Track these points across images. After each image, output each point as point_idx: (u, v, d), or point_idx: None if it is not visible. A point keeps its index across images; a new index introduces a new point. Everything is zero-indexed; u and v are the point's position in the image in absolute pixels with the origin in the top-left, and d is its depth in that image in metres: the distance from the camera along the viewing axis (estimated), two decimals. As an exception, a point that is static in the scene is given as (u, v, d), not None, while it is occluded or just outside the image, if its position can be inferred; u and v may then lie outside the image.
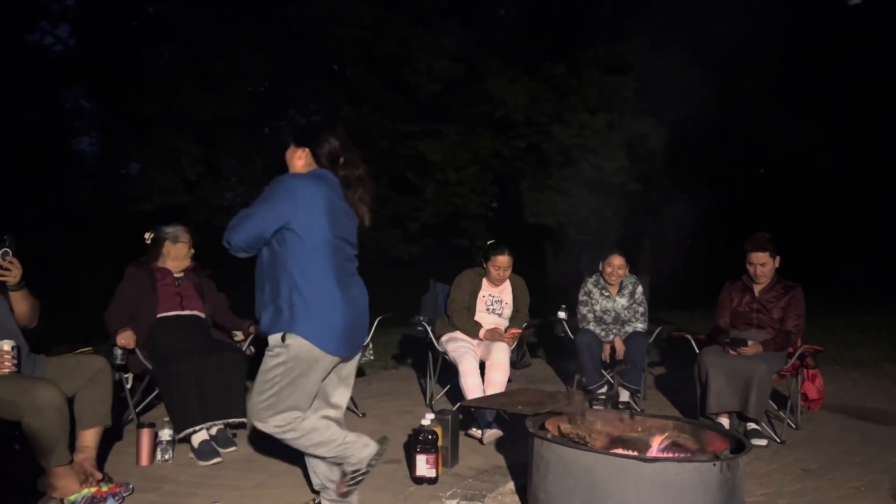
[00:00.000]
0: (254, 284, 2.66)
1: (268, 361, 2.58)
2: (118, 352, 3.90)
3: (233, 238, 2.56)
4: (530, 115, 11.97)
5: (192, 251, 4.21)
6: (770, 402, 4.33)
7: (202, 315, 4.15)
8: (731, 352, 4.25)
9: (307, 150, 2.71)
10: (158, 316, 4.00)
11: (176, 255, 4.14)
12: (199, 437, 3.66)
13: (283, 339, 2.54)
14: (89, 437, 3.17)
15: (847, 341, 7.77)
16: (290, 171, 2.72)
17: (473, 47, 12.66)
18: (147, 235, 4.22)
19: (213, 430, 3.78)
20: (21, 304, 3.21)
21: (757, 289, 4.52)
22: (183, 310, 4.07)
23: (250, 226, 2.55)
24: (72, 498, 2.94)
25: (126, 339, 3.87)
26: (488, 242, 4.81)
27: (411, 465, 3.40)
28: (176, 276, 4.15)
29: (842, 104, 14.13)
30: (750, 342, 4.26)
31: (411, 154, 12.87)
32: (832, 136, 13.74)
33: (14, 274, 3.11)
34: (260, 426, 2.59)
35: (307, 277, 2.54)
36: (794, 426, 4.49)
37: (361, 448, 2.68)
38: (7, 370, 2.96)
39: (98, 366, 3.26)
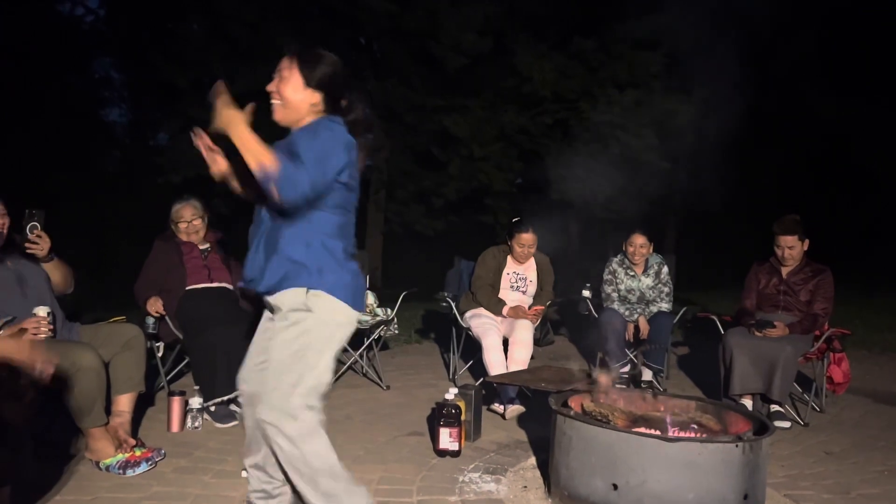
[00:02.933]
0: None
1: (286, 334, 2.19)
2: (150, 321, 4.01)
3: (296, 194, 2.08)
4: (558, 90, 11.83)
5: (199, 224, 4.23)
6: (795, 384, 4.31)
7: (230, 287, 4.22)
8: (757, 333, 4.23)
9: (321, 95, 2.26)
10: (187, 288, 4.07)
11: (186, 232, 4.21)
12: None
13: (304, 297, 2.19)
14: (124, 402, 3.27)
15: (876, 325, 7.68)
16: (290, 107, 2.27)
17: (501, 21, 12.50)
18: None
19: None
20: (54, 273, 3.31)
21: (785, 271, 4.48)
22: (211, 282, 4.15)
23: (318, 177, 2.11)
24: (106, 461, 3.04)
25: (154, 305, 3.96)
26: (513, 220, 4.81)
27: (435, 438, 3.46)
28: (202, 248, 4.22)
29: (878, 82, 13.77)
30: (776, 324, 4.23)
31: (436, 129, 12.81)
32: (867, 115, 13.43)
33: (42, 247, 3.20)
34: (286, 426, 2.14)
35: (343, 231, 2.26)
36: (818, 409, 4.47)
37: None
38: (43, 335, 3.05)
39: (132, 333, 3.35)
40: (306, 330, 2.19)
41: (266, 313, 2.40)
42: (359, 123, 2.30)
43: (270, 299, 2.25)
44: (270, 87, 2.28)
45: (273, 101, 2.28)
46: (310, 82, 2.24)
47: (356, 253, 2.37)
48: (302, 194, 2.09)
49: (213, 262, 4.22)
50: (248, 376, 2.41)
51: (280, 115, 2.29)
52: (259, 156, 2.06)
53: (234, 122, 2.13)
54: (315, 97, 2.26)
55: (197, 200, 4.29)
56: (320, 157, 2.12)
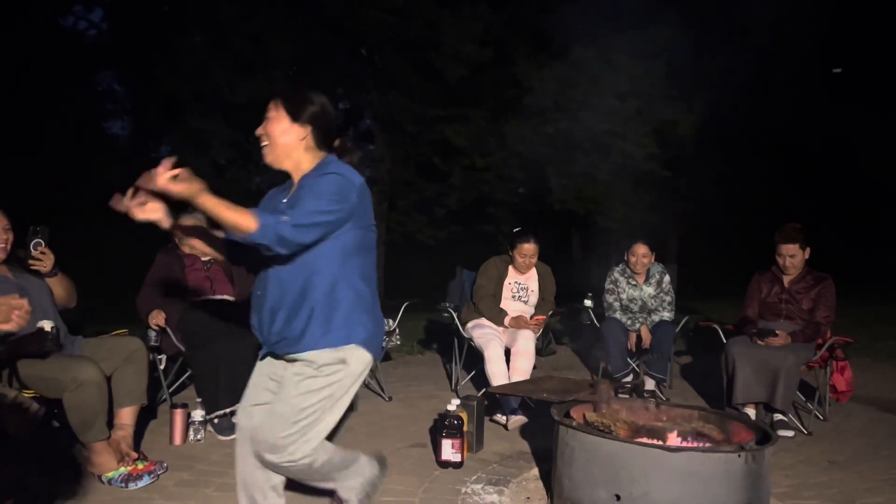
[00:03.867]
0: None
1: (312, 384, 2.17)
2: (152, 334, 4.02)
3: (304, 237, 2.07)
4: (558, 100, 11.88)
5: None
6: (798, 393, 4.29)
7: (232, 299, 4.23)
8: (760, 342, 4.22)
9: (309, 128, 2.25)
10: (190, 301, 4.08)
11: (190, 244, 4.20)
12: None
13: (335, 352, 2.19)
14: (126, 415, 3.27)
15: (880, 333, 7.66)
16: (278, 146, 2.25)
17: (501, 31, 12.57)
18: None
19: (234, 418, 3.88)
20: (57, 288, 3.32)
21: (786, 279, 4.48)
22: (214, 294, 4.16)
23: (323, 224, 2.10)
24: (109, 475, 3.04)
25: (156, 318, 3.97)
26: (514, 230, 4.82)
27: (437, 449, 3.45)
28: (204, 260, 4.23)
29: (880, 89, 13.79)
30: (778, 333, 4.23)
31: (438, 139, 12.86)
32: (870, 123, 13.44)
33: (46, 263, 3.21)
34: (276, 459, 2.23)
35: (369, 272, 2.27)
36: (821, 418, 4.45)
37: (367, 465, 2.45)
38: (47, 350, 3.05)
39: (134, 346, 3.36)
40: (337, 381, 2.20)
41: (271, 357, 2.35)
42: (353, 167, 2.29)
43: (302, 356, 2.20)
44: (259, 132, 2.28)
45: (262, 145, 2.27)
46: (296, 118, 2.24)
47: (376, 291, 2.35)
48: (300, 242, 2.07)
49: (216, 275, 4.23)
50: (250, 413, 2.39)
51: (271, 156, 2.27)
52: (235, 220, 2.00)
53: (196, 192, 1.99)
54: (302, 131, 2.25)
55: (200, 213, 4.30)
56: (322, 205, 2.09)
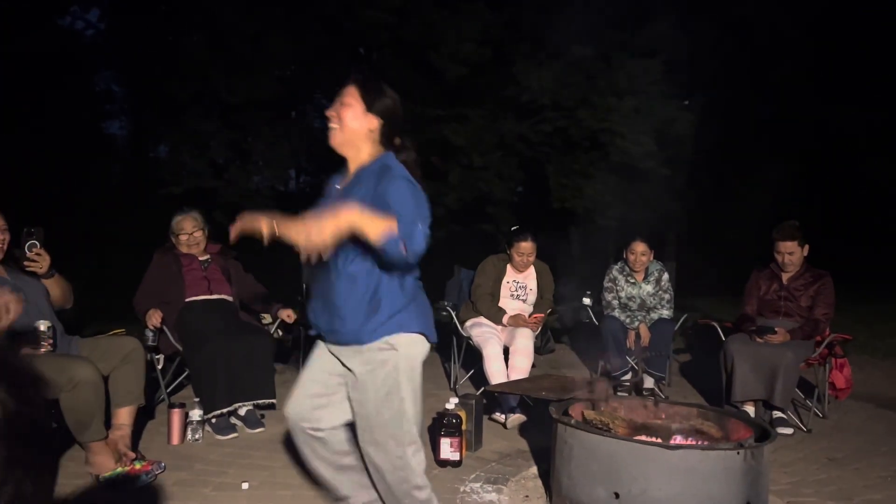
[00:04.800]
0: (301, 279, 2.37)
1: (378, 372, 2.22)
2: (149, 333, 4.01)
3: (420, 247, 2.08)
4: (557, 98, 11.86)
5: (200, 235, 4.22)
6: (797, 390, 4.29)
7: (230, 298, 4.22)
8: (758, 339, 4.22)
9: (380, 123, 2.29)
10: (187, 300, 4.07)
11: (186, 244, 4.19)
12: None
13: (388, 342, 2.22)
14: (124, 415, 3.26)
15: (878, 329, 7.65)
16: (348, 131, 2.27)
17: (500, 30, 12.56)
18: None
19: (242, 411, 3.87)
20: (54, 289, 3.31)
21: (785, 277, 4.48)
22: (211, 294, 4.14)
23: (426, 226, 2.13)
24: (107, 475, 3.04)
25: (153, 317, 3.96)
26: (512, 228, 4.82)
27: (435, 448, 3.44)
28: (202, 259, 4.22)
29: (878, 87, 13.78)
30: (777, 330, 4.22)
31: (436, 138, 12.84)
32: (868, 120, 13.44)
33: (41, 265, 3.20)
34: (376, 454, 2.27)
35: (414, 274, 2.30)
36: (820, 415, 4.45)
37: None
38: (43, 350, 3.05)
39: (131, 346, 3.35)
40: (394, 368, 2.23)
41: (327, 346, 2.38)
42: (408, 165, 2.31)
43: (360, 348, 2.23)
44: (330, 113, 2.30)
45: (331, 126, 2.29)
46: (370, 108, 2.27)
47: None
48: (422, 253, 2.09)
49: (213, 274, 4.22)
50: (305, 413, 2.38)
51: (337, 139, 2.29)
52: (382, 226, 2.02)
53: (339, 217, 2.02)
54: (373, 123, 2.28)
55: (198, 212, 4.29)
56: (420, 209, 2.13)
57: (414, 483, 2.28)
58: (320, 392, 2.37)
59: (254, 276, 4.44)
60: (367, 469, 2.36)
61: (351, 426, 2.38)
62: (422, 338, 2.29)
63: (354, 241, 2.11)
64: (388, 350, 2.22)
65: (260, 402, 3.87)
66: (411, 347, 2.26)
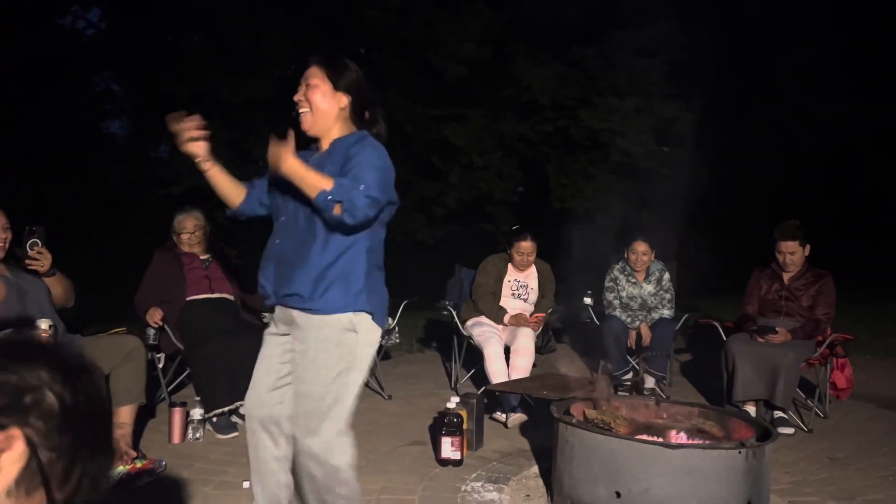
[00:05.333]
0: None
1: (326, 354, 2.16)
2: (150, 332, 4.02)
3: (370, 212, 2.10)
4: (557, 98, 11.87)
5: (201, 235, 4.21)
6: (798, 390, 4.29)
7: (231, 297, 4.22)
8: (759, 339, 4.22)
9: (349, 99, 2.27)
10: (188, 299, 4.07)
11: (188, 243, 4.19)
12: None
13: (351, 319, 2.19)
14: (125, 414, 3.26)
15: (880, 330, 7.65)
16: (319, 113, 2.25)
17: (500, 30, 12.56)
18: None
19: (243, 410, 3.87)
20: (55, 287, 3.31)
21: (786, 276, 4.47)
22: (212, 293, 4.14)
23: (382, 203, 2.15)
24: (107, 473, 3.03)
25: (154, 315, 3.96)
26: (512, 228, 4.82)
27: (436, 447, 3.45)
28: (203, 258, 4.22)
29: (880, 87, 13.78)
30: (778, 330, 4.22)
31: (437, 138, 12.85)
32: (870, 120, 13.44)
33: (43, 263, 3.20)
34: (312, 442, 2.17)
35: (382, 244, 2.30)
36: (821, 415, 4.45)
37: None
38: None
39: (132, 345, 3.35)
40: (349, 351, 2.19)
41: (277, 330, 2.33)
42: (380, 137, 2.31)
43: (314, 318, 2.17)
44: (298, 97, 2.26)
45: (301, 111, 2.26)
46: (338, 86, 2.25)
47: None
48: (366, 218, 2.10)
49: (214, 273, 4.22)
50: (264, 399, 2.32)
51: (309, 123, 2.27)
52: (315, 180, 2.05)
53: (284, 156, 2.06)
54: (343, 100, 2.26)
55: (199, 211, 4.29)
56: (383, 182, 2.13)
57: (343, 476, 2.21)
58: (280, 386, 2.30)
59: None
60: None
61: None
62: (379, 329, 2.26)
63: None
64: (350, 331, 2.18)
65: None
66: (370, 334, 2.24)
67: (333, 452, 2.18)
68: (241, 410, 3.86)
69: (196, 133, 2.24)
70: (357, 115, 2.30)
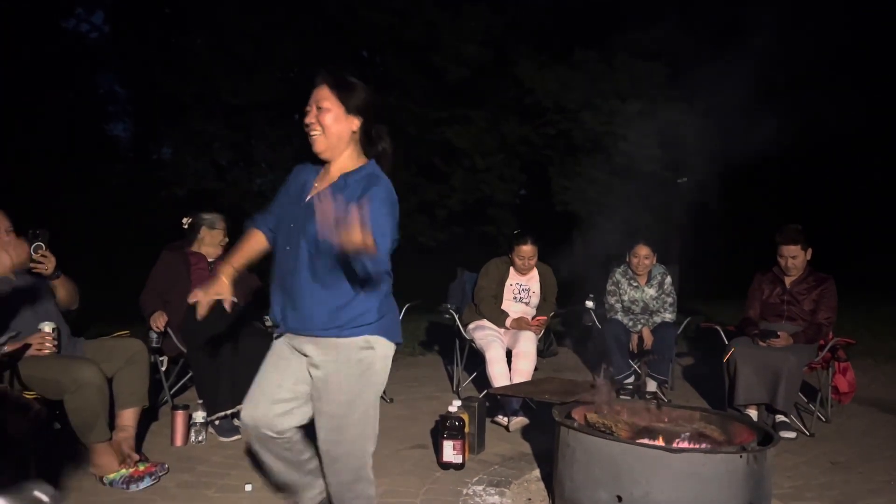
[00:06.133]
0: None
1: (352, 369, 2.20)
2: (153, 335, 4.02)
3: (384, 266, 2.13)
4: (560, 101, 11.87)
5: (227, 240, 4.24)
6: (800, 394, 4.29)
7: (234, 300, 4.21)
8: (761, 343, 4.22)
9: (360, 121, 2.26)
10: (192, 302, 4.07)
11: (210, 242, 4.21)
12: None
13: (368, 341, 2.22)
14: (128, 417, 3.27)
15: (882, 334, 7.65)
16: (333, 136, 2.22)
17: (502, 32, 12.57)
18: (185, 220, 4.28)
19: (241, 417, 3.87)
20: (60, 290, 3.32)
21: (788, 280, 4.47)
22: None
23: (394, 242, 2.18)
24: (110, 476, 3.04)
25: (158, 320, 3.97)
26: (514, 232, 4.82)
27: (438, 450, 3.45)
28: (210, 261, 4.23)
29: (882, 89, 13.76)
30: (780, 334, 4.22)
31: (439, 140, 12.86)
32: (872, 123, 13.42)
33: (47, 266, 3.21)
34: (339, 463, 2.25)
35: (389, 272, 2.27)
36: (823, 419, 4.45)
37: None
38: (48, 351, 3.06)
39: (135, 348, 3.36)
40: (368, 367, 2.22)
41: (289, 346, 2.32)
42: (384, 155, 2.32)
43: (330, 341, 2.19)
44: (309, 120, 2.23)
45: (313, 134, 2.23)
46: (349, 109, 2.23)
47: None
48: (387, 267, 2.13)
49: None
50: (269, 420, 2.30)
51: (322, 146, 2.24)
52: (364, 246, 1.94)
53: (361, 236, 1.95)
54: (355, 123, 2.25)
55: (222, 220, 4.29)
56: (395, 225, 2.17)
57: (368, 478, 2.30)
58: (287, 399, 2.30)
59: (257, 277, 4.42)
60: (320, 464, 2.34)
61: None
62: (393, 347, 2.28)
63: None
64: (367, 349, 2.20)
65: None
66: (387, 349, 2.26)
67: (361, 463, 2.27)
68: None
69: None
70: (366, 135, 2.29)
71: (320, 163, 2.33)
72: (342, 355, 2.19)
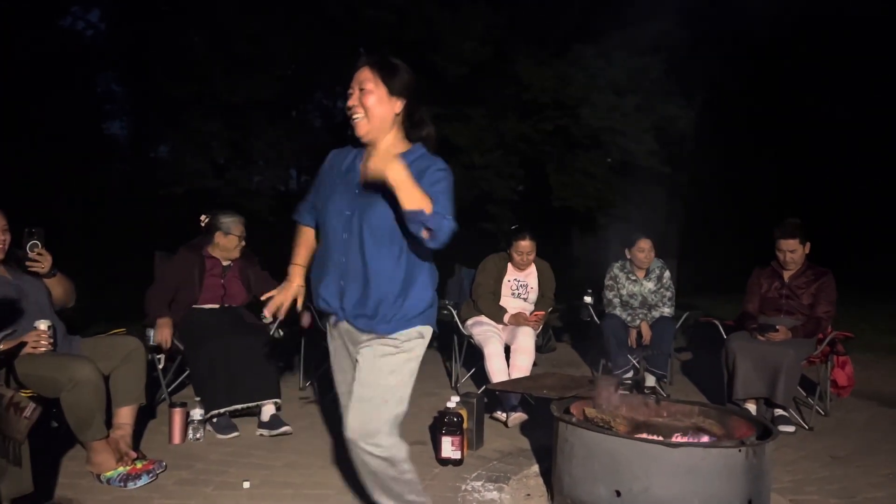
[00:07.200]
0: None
1: (393, 358, 2.21)
2: (150, 333, 4.01)
3: (445, 240, 2.10)
4: (558, 97, 11.86)
5: (243, 244, 4.16)
6: (798, 388, 4.29)
7: (239, 306, 4.19)
8: (760, 337, 4.21)
9: (404, 104, 2.23)
10: (195, 307, 4.05)
11: (225, 247, 4.13)
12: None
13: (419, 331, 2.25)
14: (125, 415, 3.26)
15: (881, 327, 7.65)
16: (376, 119, 2.20)
17: (501, 29, 12.55)
18: (203, 218, 4.21)
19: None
20: (56, 288, 3.31)
21: (787, 275, 4.47)
22: (224, 302, 4.11)
23: (456, 226, 2.15)
24: (108, 474, 3.03)
25: (163, 334, 3.94)
26: (512, 227, 4.81)
27: (437, 446, 3.44)
28: (224, 264, 4.18)
29: (881, 84, 13.76)
30: (779, 328, 4.22)
31: (437, 137, 12.85)
32: (871, 117, 13.42)
33: (43, 265, 3.20)
34: (371, 449, 2.19)
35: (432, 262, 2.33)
36: (822, 413, 4.45)
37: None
38: (44, 349, 3.04)
39: (132, 345, 3.34)
40: (415, 357, 2.26)
41: (340, 340, 2.34)
42: (430, 139, 2.30)
43: (390, 335, 2.22)
44: (352, 102, 2.20)
45: (355, 117, 2.20)
46: (393, 91, 2.20)
47: None
48: (447, 241, 2.10)
49: (231, 281, 4.15)
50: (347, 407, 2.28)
51: (365, 129, 2.20)
52: (419, 200, 2.02)
53: (393, 164, 2.03)
54: (398, 105, 2.21)
55: (241, 222, 4.20)
56: (453, 206, 2.15)
57: (402, 465, 2.28)
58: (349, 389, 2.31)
59: (269, 274, 4.36)
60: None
61: None
62: (432, 331, 2.32)
63: (397, 224, 2.14)
64: (417, 339, 2.24)
65: (262, 403, 3.83)
66: (427, 338, 2.30)
67: (393, 449, 2.23)
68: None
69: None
70: (409, 119, 2.26)
71: (360, 146, 2.28)
72: (395, 346, 2.21)
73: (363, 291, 2.20)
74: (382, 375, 2.20)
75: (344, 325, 2.29)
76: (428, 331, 2.29)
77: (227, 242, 4.13)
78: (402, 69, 2.22)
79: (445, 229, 2.05)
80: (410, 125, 2.26)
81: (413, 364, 2.26)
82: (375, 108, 2.18)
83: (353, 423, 2.20)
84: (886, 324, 7.96)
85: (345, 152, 2.35)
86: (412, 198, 2.02)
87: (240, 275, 4.20)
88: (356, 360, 2.28)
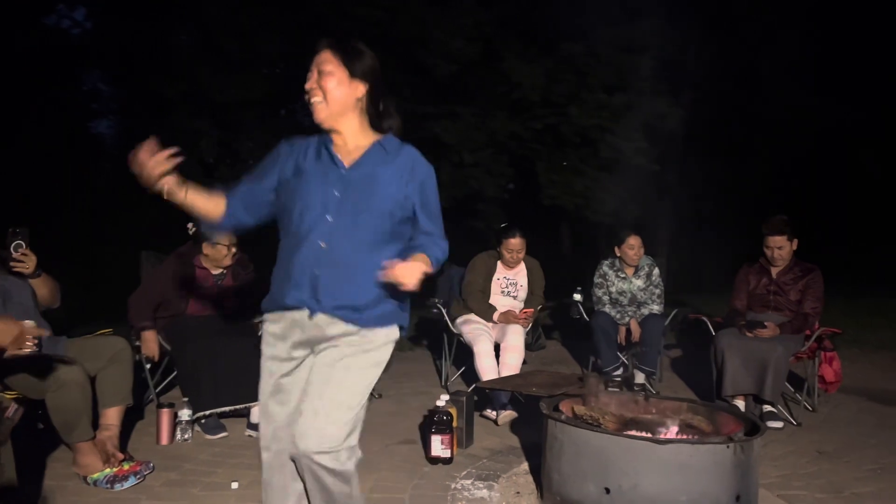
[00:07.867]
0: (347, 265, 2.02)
1: (364, 359, 2.04)
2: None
3: (445, 256, 2.15)
4: (547, 95, 11.87)
5: (233, 251, 4.07)
6: (787, 384, 4.31)
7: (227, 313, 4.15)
8: (748, 334, 4.23)
9: (367, 88, 2.08)
10: (186, 314, 4.01)
11: (214, 257, 4.05)
12: None
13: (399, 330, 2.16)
14: (112, 416, 3.24)
15: (868, 324, 7.71)
16: (335, 103, 2.06)
17: (490, 27, 12.55)
18: (190, 226, 4.07)
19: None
20: (41, 289, 3.28)
21: (774, 271, 4.49)
22: (213, 312, 4.06)
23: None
24: (94, 476, 3.01)
25: (150, 347, 3.91)
26: (501, 225, 4.81)
27: (426, 445, 3.44)
28: (215, 274, 4.10)
29: (867, 82, 13.85)
30: (767, 324, 4.24)
31: (427, 136, 12.82)
32: (857, 114, 13.50)
33: (28, 265, 3.16)
34: (327, 462, 1.93)
35: None
36: (810, 408, 4.47)
37: None
38: (28, 350, 3.01)
39: (119, 346, 3.32)
40: (384, 361, 2.12)
41: (292, 347, 2.10)
42: (395, 131, 2.18)
43: (361, 330, 2.04)
44: (310, 85, 2.06)
45: (314, 100, 2.06)
46: (354, 73, 2.05)
47: None
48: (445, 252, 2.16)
49: (224, 292, 4.08)
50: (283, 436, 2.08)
51: (323, 113, 2.06)
52: (426, 270, 1.98)
53: (418, 275, 1.94)
54: (360, 89, 2.07)
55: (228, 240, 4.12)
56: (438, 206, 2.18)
57: (354, 482, 2.03)
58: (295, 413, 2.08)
59: (253, 272, 4.30)
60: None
61: None
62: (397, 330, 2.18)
63: (387, 225, 2.06)
64: (387, 344, 2.10)
65: (249, 405, 3.80)
66: (395, 341, 2.16)
67: (349, 462, 1.99)
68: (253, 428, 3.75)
69: (167, 166, 2.09)
70: (373, 105, 2.11)
71: (321, 133, 2.13)
72: (364, 345, 2.05)
73: (347, 280, 2.00)
74: (350, 377, 2.00)
75: (309, 321, 2.03)
76: (397, 333, 2.16)
77: (216, 253, 4.03)
78: (366, 52, 2.08)
79: (444, 256, 2.10)
80: (376, 114, 2.13)
81: (380, 369, 2.10)
82: (334, 91, 2.04)
83: (310, 433, 1.93)
84: (873, 319, 8.02)
85: (303, 142, 2.16)
86: (427, 268, 1.99)
87: (234, 282, 4.13)
88: (309, 363, 2.09)
